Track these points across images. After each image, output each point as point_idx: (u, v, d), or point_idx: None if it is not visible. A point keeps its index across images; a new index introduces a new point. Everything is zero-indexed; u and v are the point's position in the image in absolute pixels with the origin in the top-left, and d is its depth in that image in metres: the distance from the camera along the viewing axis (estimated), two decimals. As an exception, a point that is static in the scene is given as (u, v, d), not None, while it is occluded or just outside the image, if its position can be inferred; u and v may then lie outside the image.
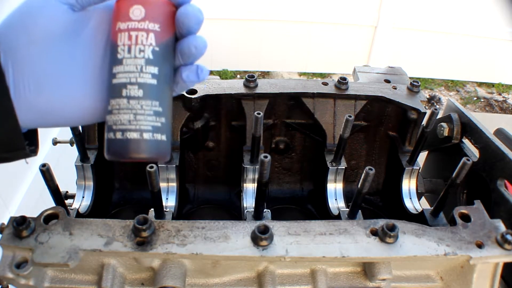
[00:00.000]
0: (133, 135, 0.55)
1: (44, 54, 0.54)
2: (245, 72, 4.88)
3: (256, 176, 0.97)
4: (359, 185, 0.85)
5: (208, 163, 1.29)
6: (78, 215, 1.01)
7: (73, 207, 1.04)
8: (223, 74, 4.86)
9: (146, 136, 0.56)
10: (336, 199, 1.13)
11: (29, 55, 0.54)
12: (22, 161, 0.63)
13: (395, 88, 1.19)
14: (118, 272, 0.75)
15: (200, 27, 0.57)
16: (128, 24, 0.56)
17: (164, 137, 0.57)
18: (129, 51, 0.55)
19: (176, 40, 0.59)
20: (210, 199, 1.30)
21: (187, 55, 0.58)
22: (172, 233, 0.73)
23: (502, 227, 0.79)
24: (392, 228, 0.75)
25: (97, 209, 1.08)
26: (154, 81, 0.56)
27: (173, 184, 1.10)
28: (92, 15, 0.58)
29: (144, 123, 0.55)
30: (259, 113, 0.96)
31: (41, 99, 0.55)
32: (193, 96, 1.07)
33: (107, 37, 0.58)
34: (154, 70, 0.56)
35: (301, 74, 5.08)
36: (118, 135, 0.55)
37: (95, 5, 0.57)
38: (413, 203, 1.14)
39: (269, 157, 0.76)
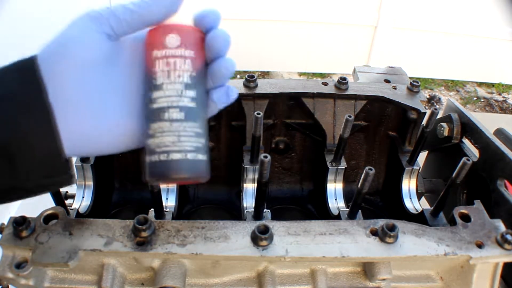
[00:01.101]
0: (178, 156, 0.56)
1: (82, 81, 0.55)
2: (245, 72, 4.87)
3: (256, 176, 0.97)
4: (359, 185, 0.85)
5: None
6: (78, 215, 1.01)
7: (73, 207, 1.04)
8: (223, 74, 4.85)
9: (190, 156, 0.57)
10: (336, 199, 1.13)
11: (68, 82, 0.54)
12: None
13: (395, 88, 1.19)
14: (118, 272, 0.75)
15: (228, 50, 0.60)
16: (166, 52, 0.58)
17: (205, 157, 0.59)
18: (169, 76, 0.57)
19: (206, 65, 0.61)
20: (210, 199, 1.30)
21: (218, 77, 0.60)
22: (172, 233, 0.73)
23: (502, 227, 0.79)
24: (392, 228, 0.75)
25: (97, 209, 1.08)
26: (193, 104, 0.58)
27: (173, 184, 1.10)
28: (126, 44, 0.60)
29: (188, 144, 0.57)
30: (259, 113, 0.96)
31: (78, 126, 0.56)
32: (193, 96, 1.07)
33: (141, 65, 0.60)
34: (193, 94, 0.58)
35: (301, 74, 5.08)
36: (162, 157, 0.56)
37: (129, 34, 0.58)
38: (413, 203, 1.14)
39: (269, 157, 0.76)
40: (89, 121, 0.56)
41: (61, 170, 0.57)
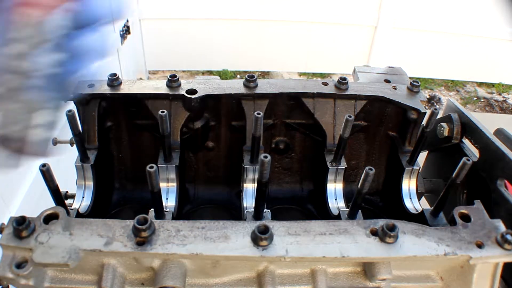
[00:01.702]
0: (16, 133, 0.52)
1: None
2: (245, 72, 4.88)
3: (256, 176, 0.97)
4: (359, 185, 0.85)
5: (208, 163, 1.29)
6: (78, 215, 1.01)
7: (73, 207, 1.04)
8: (223, 74, 4.86)
9: (33, 135, 0.53)
10: (336, 199, 1.13)
11: None
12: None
13: (395, 88, 1.19)
14: (118, 272, 0.75)
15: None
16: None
17: (48, 134, 0.54)
18: (22, 28, 0.50)
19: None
20: (210, 199, 1.30)
21: (85, 18, 0.55)
22: (172, 233, 0.73)
23: (502, 227, 0.79)
24: (392, 228, 0.75)
25: (97, 209, 1.08)
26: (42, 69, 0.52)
27: (173, 184, 1.10)
28: None
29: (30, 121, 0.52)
30: (259, 113, 0.96)
31: None
32: (193, 96, 1.07)
33: (7, 15, 0.53)
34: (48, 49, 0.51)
35: (301, 74, 5.08)
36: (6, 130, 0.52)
37: None
38: (413, 203, 1.14)
39: (269, 157, 0.76)
40: None
41: None
